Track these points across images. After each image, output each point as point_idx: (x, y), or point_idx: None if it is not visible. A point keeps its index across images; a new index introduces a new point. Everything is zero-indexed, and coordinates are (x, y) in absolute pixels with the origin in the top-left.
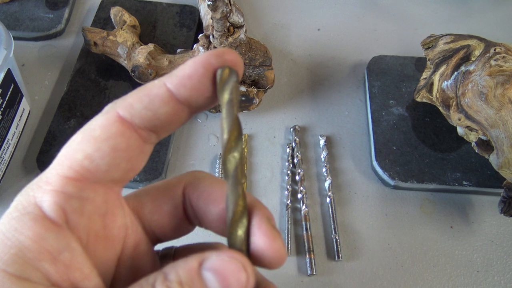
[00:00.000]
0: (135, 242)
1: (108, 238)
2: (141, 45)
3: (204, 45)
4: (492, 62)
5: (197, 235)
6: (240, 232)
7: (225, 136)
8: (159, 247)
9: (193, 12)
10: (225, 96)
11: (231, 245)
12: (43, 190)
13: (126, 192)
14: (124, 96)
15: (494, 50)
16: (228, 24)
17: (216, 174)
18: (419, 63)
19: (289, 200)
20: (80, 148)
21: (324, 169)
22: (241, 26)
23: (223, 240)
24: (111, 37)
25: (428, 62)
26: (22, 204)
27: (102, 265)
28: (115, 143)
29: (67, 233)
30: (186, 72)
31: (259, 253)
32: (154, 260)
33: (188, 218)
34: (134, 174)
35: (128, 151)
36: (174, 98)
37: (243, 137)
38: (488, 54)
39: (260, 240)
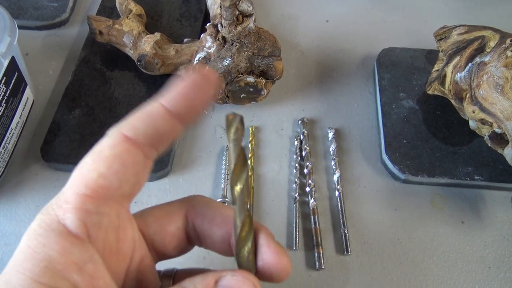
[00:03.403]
0: (141, 257)
1: (120, 250)
2: (147, 34)
3: (212, 34)
4: (508, 53)
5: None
6: (247, 249)
7: (232, 166)
8: (160, 267)
9: (200, 1)
10: (231, 136)
11: (240, 262)
12: (64, 208)
13: None
14: (125, 120)
15: (510, 41)
16: (237, 13)
17: (223, 166)
18: (430, 56)
19: (297, 194)
20: (94, 168)
21: (332, 162)
22: (250, 15)
23: (218, 258)
24: (116, 26)
25: (441, 54)
26: (45, 222)
27: (114, 276)
28: (123, 160)
29: (89, 246)
30: (179, 90)
31: (269, 268)
32: (156, 276)
33: (189, 239)
34: (139, 188)
35: (135, 166)
36: (170, 114)
37: (248, 164)
38: (504, 45)
39: (269, 257)
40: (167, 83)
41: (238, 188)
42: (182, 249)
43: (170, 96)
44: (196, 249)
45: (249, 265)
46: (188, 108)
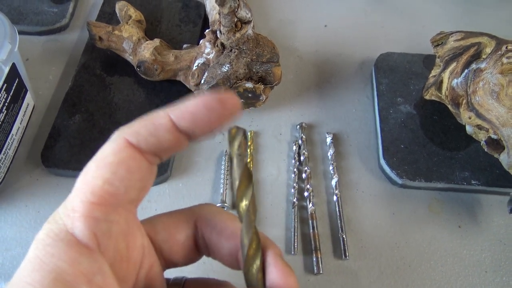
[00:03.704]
0: (150, 264)
1: (130, 258)
2: (147, 40)
3: (210, 41)
4: (504, 60)
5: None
6: (256, 268)
7: (237, 183)
8: (169, 275)
9: (199, 7)
10: (235, 151)
11: (249, 280)
12: (72, 217)
13: None
14: (130, 124)
15: (506, 47)
16: (235, 20)
17: (222, 171)
18: (427, 61)
19: (295, 198)
20: (98, 174)
21: (331, 167)
22: (248, 22)
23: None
24: (116, 32)
25: (438, 60)
26: (53, 231)
27: (124, 284)
28: (128, 166)
29: (99, 257)
30: (189, 108)
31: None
32: (164, 285)
33: (198, 248)
34: (146, 192)
35: (140, 172)
36: (176, 128)
37: (253, 179)
38: (499, 52)
39: (276, 277)
40: (167, 89)
41: (243, 205)
42: (191, 258)
43: (179, 111)
44: (204, 258)
45: (258, 284)
46: (194, 127)
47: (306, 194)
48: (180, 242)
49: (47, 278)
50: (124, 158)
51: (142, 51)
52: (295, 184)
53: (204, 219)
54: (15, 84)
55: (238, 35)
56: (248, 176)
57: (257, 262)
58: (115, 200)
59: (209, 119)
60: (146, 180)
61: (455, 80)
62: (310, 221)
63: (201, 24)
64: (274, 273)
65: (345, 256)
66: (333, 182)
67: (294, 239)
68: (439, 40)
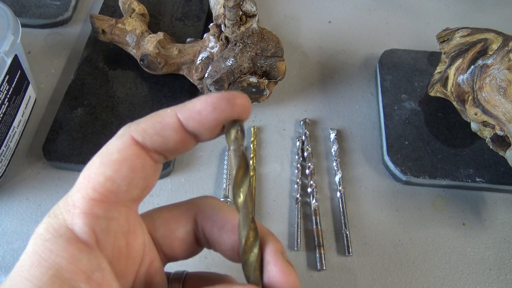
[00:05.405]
0: (150, 260)
1: (129, 255)
2: (150, 34)
3: (214, 35)
4: (511, 56)
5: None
6: (254, 264)
7: (233, 173)
8: (169, 269)
9: (202, 1)
10: (230, 145)
11: (247, 276)
12: (72, 213)
13: None
14: (138, 121)
15: None
16: (240, 13)
17: (225, 166)
18: (432, 57)
19: (298, 194)
20: (101, 171)
21: (334, 163)
22: (253, 15)
23: (220, 258)
24: (119, 25)
25: (443, 56)
26: (53, 226)
27: (123, 281)
28: (132, 164)
29: (98, 254)
30: (197, 107)
31: (276, 286)
32: (164, 280)
33: (198, 242)
34: (149, 191)
35: (144, 171)
36: (183, 128)
37: (250, 171)
38: (506, 48)
39: (276, 275)
40: (170, 83)
41: (240, 200)
42: (192, 252)
43: (187, 110)
44: (205, 251)
45: (256, 280)
46: (202, 128)
47: (309, 190)
48: (180, 237)
49: (45, 274)
50: (129, 156)
51: (146, 44)
52: (298, 180)
53: (204, 213)
54: (17, 76)
55: (242, 28)
56: (244, 171)
57: (255, 253)
58: (116, 197)
59: (217, 119)
60: (150, 178)
61: (461, 76)
62: (313, 217)
63: (204, 18)
64: (273, 271)
65: (348, 252)
66: (337, 178)
67: (297, 235)
68: (445, 36)
